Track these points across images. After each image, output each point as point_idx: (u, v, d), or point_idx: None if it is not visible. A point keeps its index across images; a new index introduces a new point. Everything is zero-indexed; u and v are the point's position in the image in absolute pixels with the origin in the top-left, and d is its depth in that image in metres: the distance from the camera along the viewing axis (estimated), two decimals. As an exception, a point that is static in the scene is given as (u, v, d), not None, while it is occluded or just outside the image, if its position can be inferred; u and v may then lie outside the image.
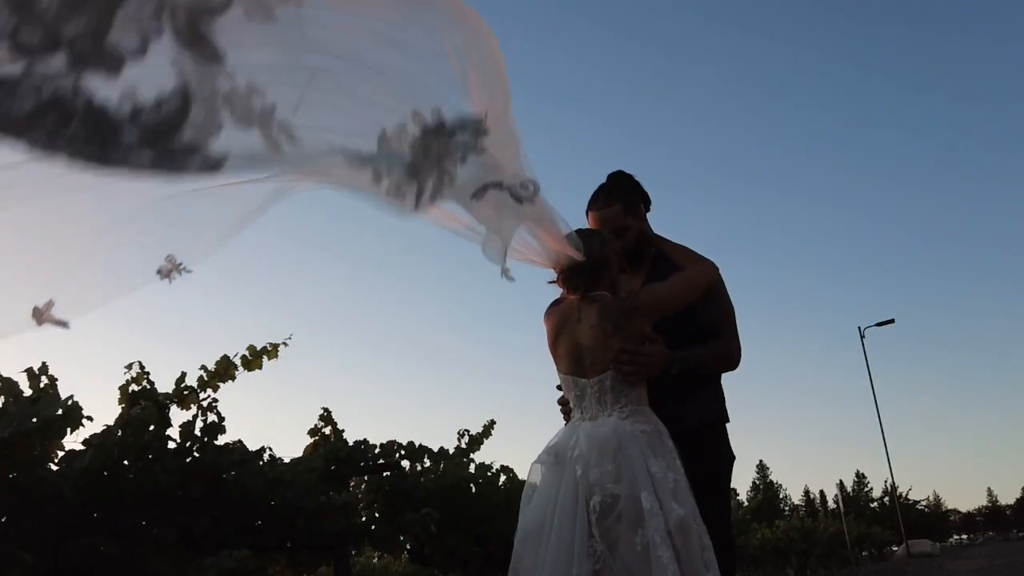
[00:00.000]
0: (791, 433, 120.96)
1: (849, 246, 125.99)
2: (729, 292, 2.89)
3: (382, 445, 6.16)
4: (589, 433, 2.44)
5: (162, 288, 1.25)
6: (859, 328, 27.66)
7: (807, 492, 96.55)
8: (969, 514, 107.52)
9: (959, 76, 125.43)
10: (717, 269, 2.79)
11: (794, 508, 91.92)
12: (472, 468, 7.52)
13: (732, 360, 2.79)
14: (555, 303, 2.74)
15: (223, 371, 4.46)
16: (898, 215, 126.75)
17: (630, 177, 2.93)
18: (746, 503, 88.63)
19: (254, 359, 4.60)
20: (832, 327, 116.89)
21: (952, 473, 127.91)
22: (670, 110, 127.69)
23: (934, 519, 72.96)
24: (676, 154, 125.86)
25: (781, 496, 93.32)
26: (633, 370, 2.45)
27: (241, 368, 4.55)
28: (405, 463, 6.58)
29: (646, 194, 2.96)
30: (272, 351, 4.76)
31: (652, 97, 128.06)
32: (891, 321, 27.78)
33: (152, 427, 4.06)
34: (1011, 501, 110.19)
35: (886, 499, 66.00)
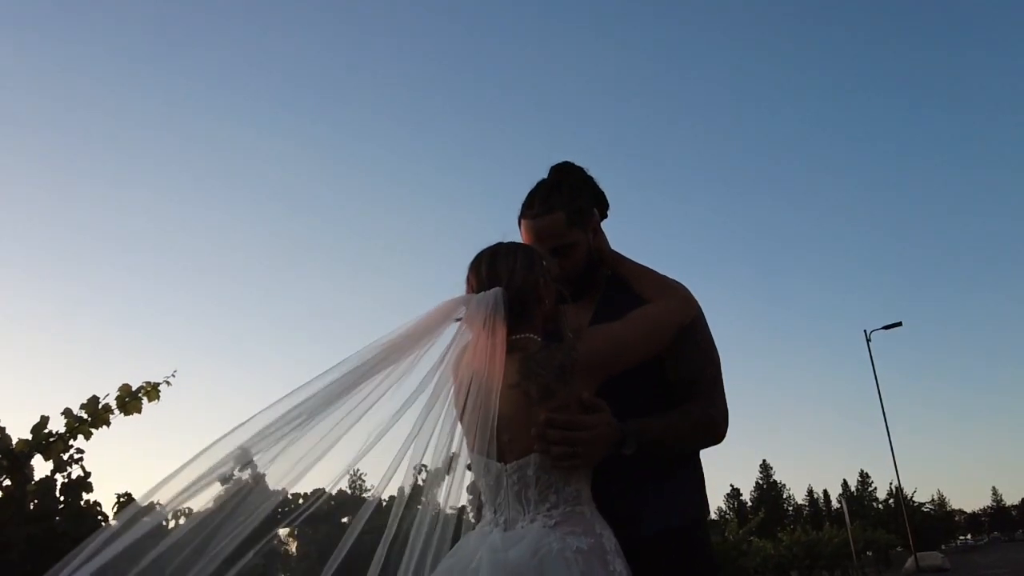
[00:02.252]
0: (794, 432, 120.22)
1: (855, 248, 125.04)
2: (716, 332, 2.10)
3: (306, 495, 5.25)
4: (495, 556, 1.64)
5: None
6: (865, 331, 26.88)
7: (811, 492, 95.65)
8: (974, 514, 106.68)
9: (969, 81, 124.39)
10: (695, 303, 2.01)
11: (798, 509, 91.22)
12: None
13: (714, 431, 1.99)
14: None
15: (93, 415, 3.71)
16: (905, 218, 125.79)
17: (580, 172, 2.14)
18: (749, 503, 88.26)
19: (131, 401, 3.85)
20: (835, 327, 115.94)
21: (956, 473, 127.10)
22: (670, 113, 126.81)
23: (939, 521, 72.12)
24: (677, 157, 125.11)
25: (785, 496, 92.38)
26: (567, 454, 1.67)
27: (117, 411, 3.82)
28: (345, 518, 5.70)
29: (602, 195, 2.16)
30: (151, 391, 4.01)
31: (652, 99, 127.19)
32: (898, 324, 26.98)
33: (7, 482, 3.29)
34: (1016, 501, 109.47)
35: (891, 501, 65.30)
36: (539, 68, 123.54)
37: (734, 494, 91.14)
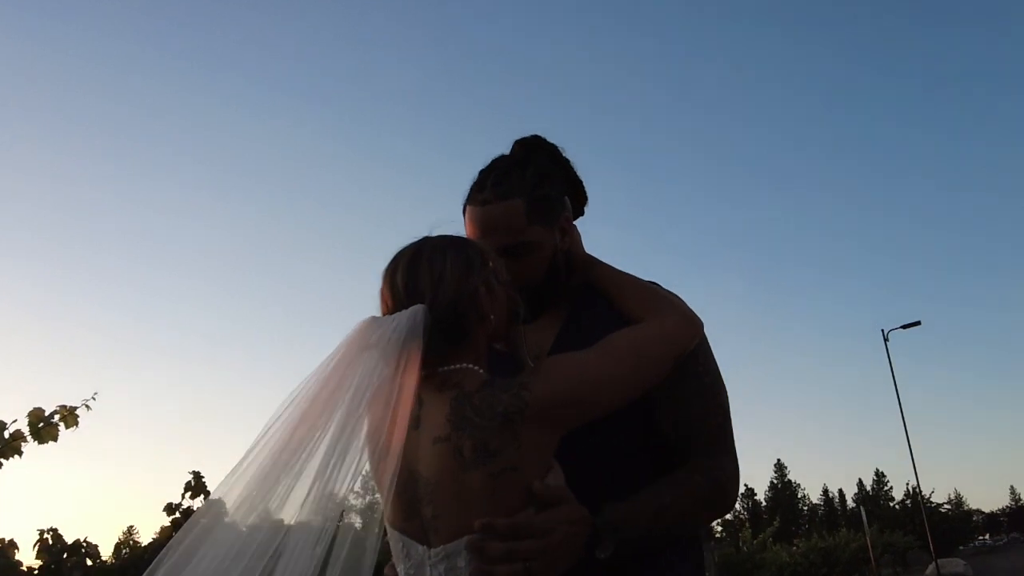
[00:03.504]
0: (809, 431, 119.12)
1: (872, 244, 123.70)
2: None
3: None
4: None
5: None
6: (883, 331, 26.23)
7: (826, 491, 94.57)
8: (992, 514, 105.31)
9: (990, 71, 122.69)
10: (698, 324, 1.52)
11: (813, 509, 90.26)
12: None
13: (723, 502, 1.50)
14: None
15: (1, 444, 3.28)
16: (924, 215, 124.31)
17: (552, 150, 1.63)
18: (764, 503, 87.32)
19: (45, 427, 3.42)
20: (850, 324, 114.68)
21: (974, 471, 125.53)
22: (684, 103, 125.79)
23: (958, 521, 71.13)
24: (691, 151, 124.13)
25: (800, 496, 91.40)
26: (515, 573, 1.21)
27: (30, 439, 3.39)
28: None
29: (578, 184, 1.67)
30: (69, 416, 3.57)
31: (667, 90, 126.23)
32: (917, 323, 26.32)
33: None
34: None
35: (907, 501, 64.36)
36: (538, 65, 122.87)
37: (748, 494, 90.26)
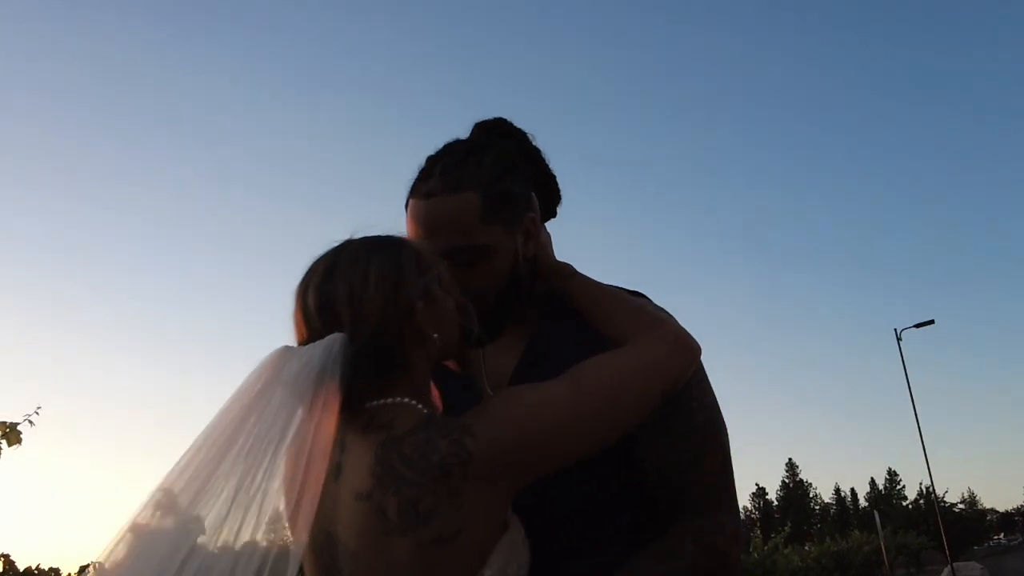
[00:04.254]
0: (820, 429, 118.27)
1: (884, 245, 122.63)
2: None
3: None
4: None
5: None
6: (895, 330, 25.84)
7: (838, 491, 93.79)
8: (1007, 513, 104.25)
9: (1005, 82, 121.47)
10: (695, 348, 1.24)
11: (824, 508, 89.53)
12: None
13: (722, 571, 1.21)
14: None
15: None
16: (935, 215, 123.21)
17: (519, 137, 1.37)
18: (776, 502, 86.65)
19: None
20: (862, 323, 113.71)
21: (987, 470, 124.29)
22: (687, 110, 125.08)
23: (972, 521, 70.37)
24: (697, 154, 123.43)
25: (811, 495, 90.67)
26: None
27: None
28: None
29: (549, 179, 1.40)
30: (10, 433, 3.31)
31: (668, 97, 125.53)
32: (931, 322, 25.92)
33: None
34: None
35: (921, 501, 63.68)
36: (541, 71, 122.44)
37: (760, 493, 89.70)
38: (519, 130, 1.37)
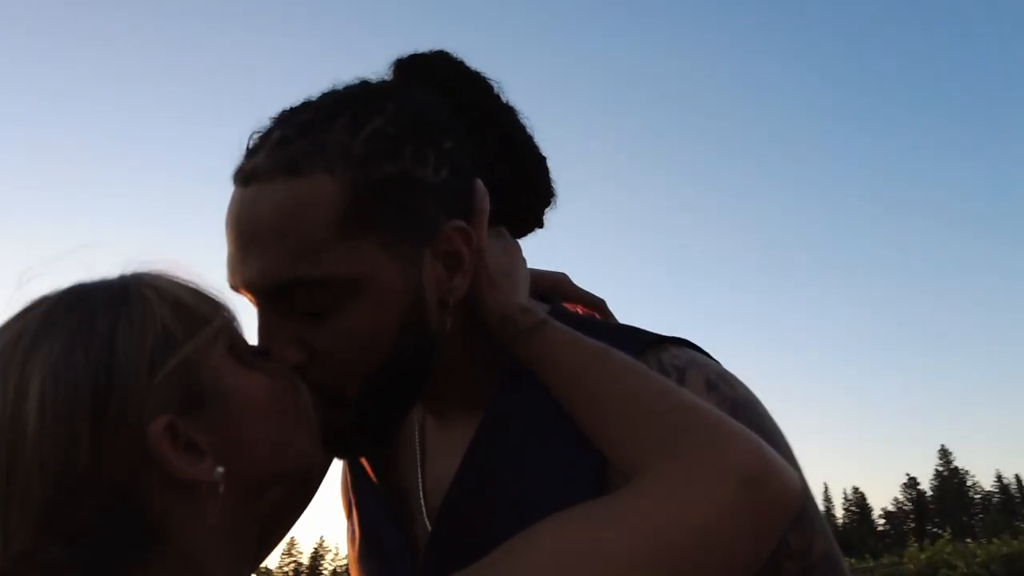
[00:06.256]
0: (975, 411, 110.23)
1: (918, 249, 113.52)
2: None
3: None
4: None
5: None
6: None
7: (999, 478, 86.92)
8: None
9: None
10: (788, 488, 0.64)
11: (986, 497, 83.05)
12: None
13: None
14: None
15: None
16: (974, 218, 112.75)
17: (460, 79, 0.83)
18: (929, 492, 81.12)
19: None
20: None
21: None
22: (707, 97, 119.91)
23: None
24: (733, 155, 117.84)
25: (969, 484, 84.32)
26: None
27: None
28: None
29: (531, 159, 0.87)
30: None
31: (692, 106, 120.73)
32: None
33: None
34: None
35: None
36: (550, 71, 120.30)
37: (911, 483, 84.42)
38: (461, 64, 0.84)
